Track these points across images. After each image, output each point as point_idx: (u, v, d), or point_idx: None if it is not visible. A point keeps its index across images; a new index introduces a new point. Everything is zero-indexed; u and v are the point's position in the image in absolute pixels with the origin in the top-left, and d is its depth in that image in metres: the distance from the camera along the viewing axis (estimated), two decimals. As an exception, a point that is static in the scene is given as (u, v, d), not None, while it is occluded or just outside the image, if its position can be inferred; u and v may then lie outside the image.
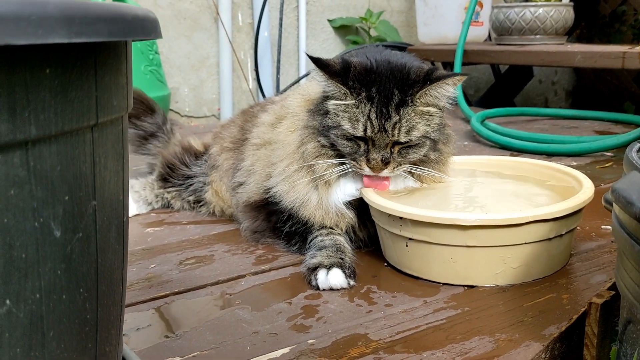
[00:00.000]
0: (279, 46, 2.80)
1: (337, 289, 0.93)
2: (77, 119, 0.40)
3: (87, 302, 0.43)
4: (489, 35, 2.99)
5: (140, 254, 1.13)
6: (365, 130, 0.96)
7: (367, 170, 0.99)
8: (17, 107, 0.36)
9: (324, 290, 0.94)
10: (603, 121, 2.28)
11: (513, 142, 1.81)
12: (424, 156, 1.01)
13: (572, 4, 2.51)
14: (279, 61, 2.81)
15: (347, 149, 0.99)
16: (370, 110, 0.95)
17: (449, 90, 0.98)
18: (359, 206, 1.05)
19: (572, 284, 0.92)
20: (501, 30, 2.57)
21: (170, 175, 1.36)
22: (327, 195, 1.03)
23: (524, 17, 2.45)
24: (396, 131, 0.96)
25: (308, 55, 0.99)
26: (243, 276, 1.01)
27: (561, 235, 0.93)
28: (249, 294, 0.94)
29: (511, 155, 1.71)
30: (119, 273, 0.49)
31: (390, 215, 0.95)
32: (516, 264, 0.91)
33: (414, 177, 1.05)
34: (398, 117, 0.95)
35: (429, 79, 0.97)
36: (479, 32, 2.86)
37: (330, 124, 0.99)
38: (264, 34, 2.76)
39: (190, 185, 1.35)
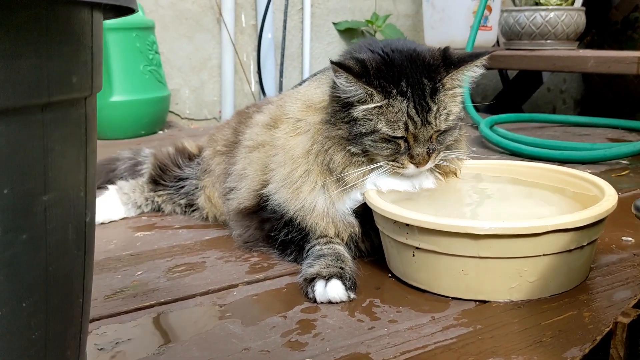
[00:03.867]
0: (283, 49, 2.74)
1: (336, 302, 0.86)
2: (23, 93, 0.33)
3: (32, 318, 0.36)
4: (498, 40, 2.92)
5: (127, 259, 1.06)
6: (406, 129, 0.91)
7: (411, 168, 0.94)
8: None
9: (321, 303, 0.86)
10: (615, 128, 2.20)
11: (523, 149, 1.73)
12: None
13: (584, 8, 2.44)
14: (282, 64, 2.74)
15: (387, 151, 0.93)
16: (407, 106, 0.90)
17: (476, 71, 0.96)
18: (362, 214, 0.98)
19: (593, 300, 0.85)
20: (511, 35, 2.50)
21: (161, 177, 1.29)
22: (339, 202, 0.96)
23: (534, 22, 2.38)
24: (438, 121, 0.92)
25: (331, 61, 0.91)
26: (235, 286, 0.94)
27: (582, 247, 0.85)
28: (241, 306, 0.87)
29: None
30: (78, 284, 0.41)
31: (396, 221, 0.87)
32: (533, 277, 0.83)
33: (439, 171, 1.01)
34: (437, 107, 0.92)
35: (452, 62, 0.94)
36: (488, 37, 2.78)
37: (363, 131, 0.92)
38: (267, 36, 2.70)
39: (182, 187, 1.27)
